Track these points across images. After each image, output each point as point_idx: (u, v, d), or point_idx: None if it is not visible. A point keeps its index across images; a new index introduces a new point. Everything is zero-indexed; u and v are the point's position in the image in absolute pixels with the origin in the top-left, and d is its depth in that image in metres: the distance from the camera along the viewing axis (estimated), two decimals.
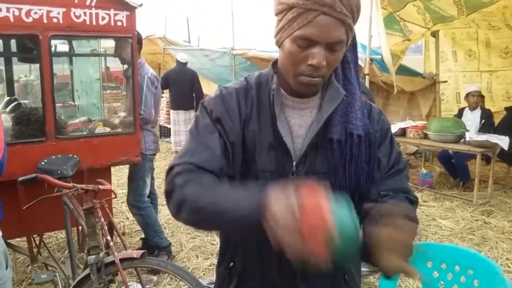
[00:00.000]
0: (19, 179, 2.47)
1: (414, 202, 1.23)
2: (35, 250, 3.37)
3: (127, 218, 5.06)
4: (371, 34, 5.91)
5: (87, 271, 2.25)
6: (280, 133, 1.13)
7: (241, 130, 1.17)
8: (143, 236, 4.10)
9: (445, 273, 1.83)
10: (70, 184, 2.41)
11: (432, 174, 6.13)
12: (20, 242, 3.95)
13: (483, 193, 5.59)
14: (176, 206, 1.08)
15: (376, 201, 1.17)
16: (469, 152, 5.47)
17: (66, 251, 3.62)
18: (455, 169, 6.02)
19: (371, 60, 6.10)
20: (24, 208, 2.56)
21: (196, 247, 4.26)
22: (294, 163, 1.14)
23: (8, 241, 3.18)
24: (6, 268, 1.89)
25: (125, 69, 3.70)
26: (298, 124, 1.17)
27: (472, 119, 6.16)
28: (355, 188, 1.15)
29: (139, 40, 3.72)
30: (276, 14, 1.10)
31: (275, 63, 1.20)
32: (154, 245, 3.83)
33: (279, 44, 1.11)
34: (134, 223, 4.86)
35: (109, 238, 2.36)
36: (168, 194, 1.10)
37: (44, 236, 4.04)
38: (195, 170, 1.09)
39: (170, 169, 1.13)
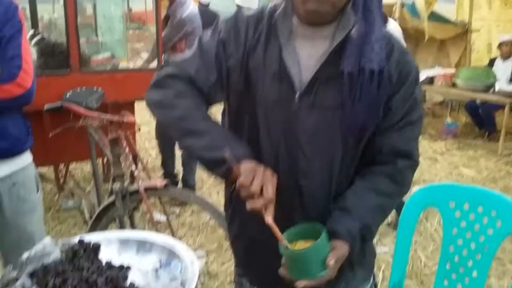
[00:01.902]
0: (45, 106, 2.50)
1: (409, 167, 1.19)
2: (61, 179, 3.48)
3: (150, 155, 5.16)
4: None
5: (112, 198, 2.32)
6: (286, 63, 1.08)
7: (243, 58, 1.13)
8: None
9: (467, 213, 1.82)
10: (95, 113, 2.44)
11: (457, 124, 6.02)
12: (47, 173, 4.09)
13: (509, 143, 5.48)
14: (158, 103, 1.14)
15: (377, 154, 1.15)
16: (497, 103, 5.32)
17: (92, 183, 3.73)
18: (482, 119, 5.91)
19: (402, 4, 5.86)
20: (50, 135, 2.60)
21: (217, 183, 4.34)
22: (297, 94, 1.09)
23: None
24: (37, 191, 1.96)
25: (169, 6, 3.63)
26: (308, 54, 1.11)
27: (503, 69, 5.96)
28: (362, 127, 1.09)
29: None
30: None
31: None
32: (181, 181, 3.99)
33: None
34: (157, 159, 4.96)
35: (133, 167, 2.40)
36: (154, 87, 1.16)
37: (70, 167, 4.16)
38: (187, 81, 1.13)
39: (167, 64, 1.18)
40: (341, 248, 1.05)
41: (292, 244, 1.04)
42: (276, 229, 1.02)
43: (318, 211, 1.15)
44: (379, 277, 2.87)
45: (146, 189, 2.30)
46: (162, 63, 3.60)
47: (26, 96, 1.76)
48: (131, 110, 3.71)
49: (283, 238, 1.02)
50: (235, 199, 1.25)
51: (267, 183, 0.99)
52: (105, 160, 3.85)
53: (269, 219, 1.00)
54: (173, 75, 1.14)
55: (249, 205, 1.00)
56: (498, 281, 2.85)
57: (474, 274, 1.77)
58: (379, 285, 2.78)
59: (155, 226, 2.42)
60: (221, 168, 1.04)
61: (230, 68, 1.14)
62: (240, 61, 1.13)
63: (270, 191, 0.99)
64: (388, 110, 1.11)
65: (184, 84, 1.13)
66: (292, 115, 1.10)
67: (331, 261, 0.99)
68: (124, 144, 2.43)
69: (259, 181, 0.98)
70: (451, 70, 6.22)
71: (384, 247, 3.21)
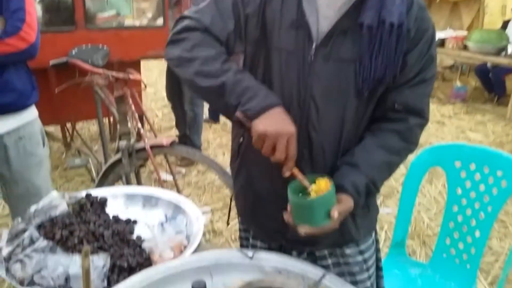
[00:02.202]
0: (51, 62, 2.49)
1: (419, 125, 1.17)
2: (68, 138, 3.50)
3: (156, 116, 5.16)
4: None
5: (118, 155, 2.33)
6: (304, 11, 1.05)
7: (260, 5, 1.10)
8: (172, 133, 4.22)
9: (473, 173, 1.82)
10: (101, 70, 2.42)
11: (466, 88, 5.94)
12: (54, 132, 4.11)
13: None
14: (177, 59, 1.10)
15: (388, 111, 1.14)
16: (509, 66, 5.23)
17: (99, 142, 3.75)
18: (491, 83, 5.82)
19: None
20: (56, 91, 2.60)
21: (223, 144, 4.36)
22: (314, 45, 1.07)
23: None
24: (43, 146, 1.97)
25: None
26: (326, 4, 1.08)
27: None
28: (379, 80, 1.08)
29: None
30: None
31: None
32: (188, 141, 3.98)
33: None
34: (163, 120, 4.97)
35: (140, 125, 2.40)
36: (172, 43, 1.12)
37: (77, 127, 4.18)
38: (203, 31, 1.09)
39: (181, 18, 1.13)
40: (346, 202, 1.05)
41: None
42: (299, 175, 1.03)
43: (326, 164, 1.14)
44: (382, 237, 2.90)
45: (152, 147, 2.31)
46: (168, 20, 3.55)
47: (30, 50, 1.74)
48: (137, 69, 3.69)
49: (304, 178, 1.03)
50: (243, 152, 1.25)
51: (278, 146, 0.98)
52: (111, 120, 3.86)
53: (286, 173, 1.01)
54: (188, 28, 1.10)
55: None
56: (500, 243, 2.88)
57: (477, 233, 1.78)
58: (381, 245, 2.82)
59: (161, 185, 2.44)
60: (243, 126, 1.03)
61: (248, 15, 1.11)
62: (257, 9, 1.10)
63: (278, 155, 0.98)
64: (404, 66, 1.09)
65: (201, 33, 1.09)
66: (306, 66, 1.08)
67: (335, 213, 0.99)
68: (130, 101, 2.42)
69: (270, 145, 0.98)
70: (463, 33, 6.09)
71: (387, 208, 3.24)
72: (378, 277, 1.34)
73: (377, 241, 1.34)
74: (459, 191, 1.83)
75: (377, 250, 1.34)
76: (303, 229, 1.01)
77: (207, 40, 1.09)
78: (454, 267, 1.83)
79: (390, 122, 1.15)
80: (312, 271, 1.14)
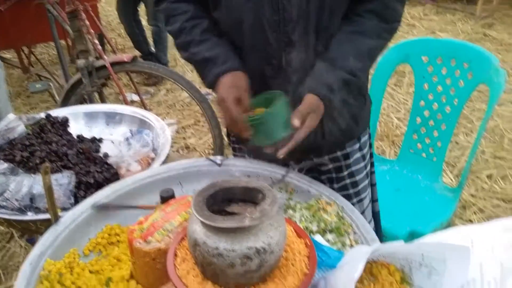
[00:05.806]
0: None
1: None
2: (26, 63, 3.34)
3: (119, 35, 4.93)
4: None
5: (78, 75, 2.23)
6: None
7: None
8: (137, 53, 4.05)
9: (439, 68, 1.81)
10: None
11: None
12: (12, 58, 3.90)
13: (487, 6, 5.34)
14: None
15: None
16: None
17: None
18: None
19: None
20: (3, 9, 2.42)
21: None
22: None
23: None
24: None
25: None
26: None
27: None
28: None
29: None
30: None
31: None
32: (154, 60, 3.82)
33: None
34: (126, 40, 4.76)
35: (96, 42, 2.28)
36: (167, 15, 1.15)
37: (36, 53, 3.98)
38: None
39: None
40: (306, 103, 0.98)
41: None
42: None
43: (304, 39, 1.05)
44: None
45: (112, 64, 2.21)
46: None
47: None
48: None
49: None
50: None
51: (226, 114, 1.01)
52: (70, 42, 3.66)
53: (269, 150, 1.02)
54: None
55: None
56: (466, 137, 2.97)
57: (443, 127, 1.81)
58: None
59: (127, 105, 2.36)
60: None
61: None
62: None
63: (228, 120, 1.01)
64: None
65: None
66: None
67: (294, 121, 0.95)
68: (84, 16, 2.27)
69: (226, 112, 1.01)
70: None
71: None
72: (371, 172, 1.33)
73: (370, 135, 1.30)
74: (426, 86, 1.83)
75: (370, 145, 1.31)
76: (268, 149, 1.00)
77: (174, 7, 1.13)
78: (421, 161, 1.88)
79: (365, 2, 1.06)
80: (279, 171, 1.14)
